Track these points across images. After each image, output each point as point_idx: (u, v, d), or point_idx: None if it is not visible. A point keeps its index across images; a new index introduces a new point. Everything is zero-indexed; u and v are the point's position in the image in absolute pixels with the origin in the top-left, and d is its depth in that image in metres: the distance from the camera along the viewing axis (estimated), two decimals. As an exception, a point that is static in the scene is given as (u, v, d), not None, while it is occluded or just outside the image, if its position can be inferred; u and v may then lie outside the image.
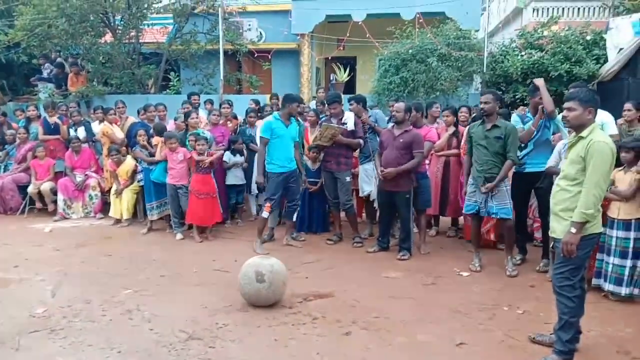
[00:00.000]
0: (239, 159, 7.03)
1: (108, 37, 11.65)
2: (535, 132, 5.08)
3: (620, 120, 5.76)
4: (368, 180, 6.32)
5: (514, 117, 5.45)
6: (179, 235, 6.45)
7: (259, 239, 5.98)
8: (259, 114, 7.58)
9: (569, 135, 3.62)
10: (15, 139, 8.10)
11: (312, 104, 9.05)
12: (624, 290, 4.35)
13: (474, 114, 6.66)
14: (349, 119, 6.11)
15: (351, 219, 6.31)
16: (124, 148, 7.42)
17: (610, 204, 4.48)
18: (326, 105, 6.57)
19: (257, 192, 7.14)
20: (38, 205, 7.78)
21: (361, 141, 6.13)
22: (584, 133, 3.23)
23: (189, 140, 6.50)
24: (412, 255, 5.69)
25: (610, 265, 4.42)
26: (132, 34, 11.45)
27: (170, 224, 6.74)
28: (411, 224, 5.73)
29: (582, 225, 3.16)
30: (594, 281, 4.58)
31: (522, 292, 4.68)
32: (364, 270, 5.26)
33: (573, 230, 3.17)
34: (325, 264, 5.45)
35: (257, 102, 8.50)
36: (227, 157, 6.95)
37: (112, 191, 7.23)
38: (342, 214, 6.47)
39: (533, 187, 5.25)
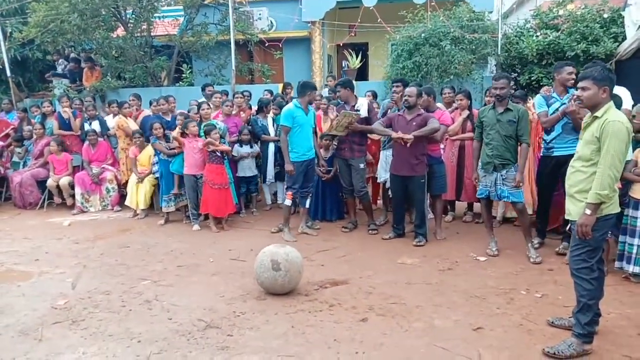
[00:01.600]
0: (247, 149, 7.04)
1: (120, 31, 11.70)
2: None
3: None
4: (387, 166, 6.29)
5: (538, 99, 5.23)
6: (195, 227, 6.50)
7: (286, 226, 6.00)
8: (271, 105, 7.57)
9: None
10: (32, 134, 8.21)
11: (324, 92, 9.01)
12: None
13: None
14: (362, 105, 6.07)
15: (366, 206, 6.29)
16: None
17: (634, 184, 4.40)
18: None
19: (272, 180, 7.14)
20: (57, 199, 7.91)
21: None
22: (598, 113, 3.16)
23: (203, 131, 6.51)
24: (428, 241, 5.67)
25: (635, 247, 4.34)
26: (144, 27, 11.47)
27: (187, 215, 6.80)
28: (426, 209, 5.69)
29: (597, 206, 3.11)
30: (617, 264, 4.51)
31: (540, 275, 4.64)
32: (379, 257, 5.25)
33: (588, 211, 3.12)
34: (340, 252, 5.46)
35: (271, 92, 8.49)
36: (235, 149, 6.97)
37: (131, 181, 7.29)
38: (357, 201, 6.46)
39: (560, 173, 5.11)
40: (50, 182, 7.81)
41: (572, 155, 4.64)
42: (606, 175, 3.06)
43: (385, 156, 6.30)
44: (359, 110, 6.02)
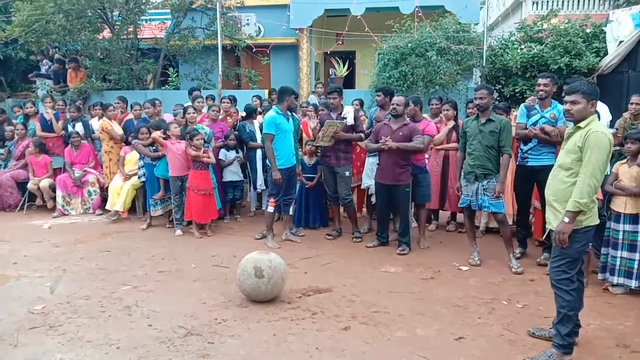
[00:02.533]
0: (233, 155, 7.01)
1: (106, 33, 11.60)
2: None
3: (625, 114, 5.73)
4: (371, 174, 6.32)
5: (520, 109, 5.37)
6: (178, 232, 6.44)
7: (269, 233, 5.97)
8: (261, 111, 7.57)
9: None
10: (14, 135, 8.09)
11: (312, 99, 9.03)
12: (634, 283, 4.34)
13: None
14: (349, 113, 6.08)
15: (350, 214, 6.30)
16: (123, 144, 7.42)
17: (615, 198, 4.47)
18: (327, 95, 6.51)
19: (263, 188, 7.09)
20: (38, 201, 7.79)
21: (362, 135, 6.11)
22: (582, 124, 3.21)
23: (186, 136, 6.46)
24: (412, 249, 5.69)
25: (618, 259, 4.41)
26: (130, 29, 11.39)
27: (170, 220, 6.74)
28: (410, 218, 5.72)
29: (576, 215, 3.15)
30: (600, 276, 4.57)
31: (522, 286, 4.68)
32: (363, 265, 5.25)
33: (566, 219, 3.16)
34: (324, 259, 5.45)
35: (259, 98, 8.48)
36: (223, 154, 6.94)
37: (112, 184, 7.18)
38: (342, 209, 6.46)
39: (536, 182, 5.23)
40: (30, 185, 7.69)
41: (545, 166, 4.78)
42: (586, 184, 3.10)
43: (370, 163, 6.33)
44: (345, 118, 6.03)
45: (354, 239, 6.13)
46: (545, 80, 5.06)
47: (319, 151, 6.39)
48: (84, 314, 4.02)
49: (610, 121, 6.01)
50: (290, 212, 6.19)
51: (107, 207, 7.23)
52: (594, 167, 3.09)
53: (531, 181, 5.23)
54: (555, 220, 3.29)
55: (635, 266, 4.33)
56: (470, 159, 5.16)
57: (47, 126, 8.00)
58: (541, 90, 5.07)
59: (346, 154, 6.14)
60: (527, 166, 5.19)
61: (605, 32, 8.54)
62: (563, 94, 3.38)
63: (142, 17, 11.55)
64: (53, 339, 3.59)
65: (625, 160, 4.51)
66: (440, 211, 6.81)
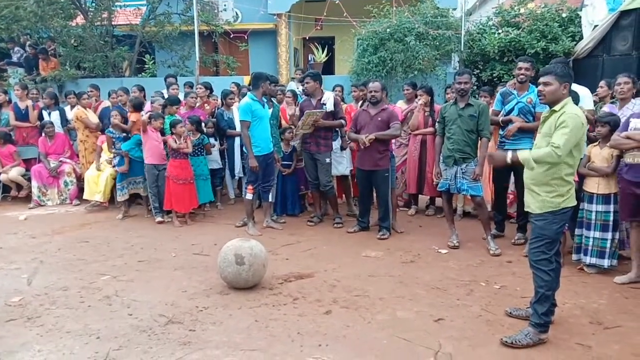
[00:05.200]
0: (213, 142, 6.96)
1: (79, 20, 11.33)
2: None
3: (593, 97, 5.84)
4: (339, 160, 6.34)
5: (497, 96, 5.51)
6: (158, 218, 6.39)
7: (250, 221, 5.95)
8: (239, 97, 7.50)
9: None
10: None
11: (291, 85, 8.97)
12: (606, 263, 4.45)
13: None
14: (329, 99, 6.05)
15: (331, 200, 6.32)
16: (99, 132, 7.30)
17: (587, 179, 4.56)
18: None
19: (241, 175, 7.07)
20: (13, 193, 7.63)
21: (343, 122, 6.09)
22: (557, 107, 3.26)
23: (170, 125, 6.37)
24: (392, 234, 5.74)
25: (591, 239, 4.50)
26: (104, 15, 11.14)
27: (149, 209, 6.67)
28: (390, 202, 5.75)
29: (517, 159, 3.28)
30: (574, 256, 4.67)
31: (499, 268, 4.76)
32: (344, 250, 5.29)
33: (509, 154, 3.33)
34: (305, 245, 5.46)
35: (238, 85, 8.40)
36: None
37: (87, 173, 7.08)
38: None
39: (512, 166, 5.31)
40: (3, 177, 7.52)
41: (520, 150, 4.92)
42: (548, 155, 3.16)
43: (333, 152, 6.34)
44: (324, 104, 6.01)
45: (335, 225, 6.15)
46: (525, 64, 5.13)
47: (296, 140, 6.39)
48: (62, 305, 3.97)
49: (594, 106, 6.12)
50: (270, 199, 6.17)
51: (85, 196, 7.12)
52: (564, 141, 3.12)
53: (508, 165, 5.28)
54: (534, 202, 3.34)
55: (608, 245, 4.43)
56: (449, 143, 5.20)
57: (21, 115, 7.81)
58: (522, 75, 5.13)
59: (326, 141, 6.12)
60: (505, 149, 5.26)
61: (580, 17, 8.64)
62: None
63: (117, 3, 11.32)
64: (31, 331, 3.54)
65: (597, 143, 4.60)
66: (419, 196, 6.86)
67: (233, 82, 8.73)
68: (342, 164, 6.41)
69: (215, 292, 4.20)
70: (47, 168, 7.42)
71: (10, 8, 9.66)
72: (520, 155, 3.29)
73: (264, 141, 5.80)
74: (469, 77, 5.16)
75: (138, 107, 6.69)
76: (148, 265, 4.90)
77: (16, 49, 11.61)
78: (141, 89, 7.66)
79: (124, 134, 6.65)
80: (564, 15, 8.92)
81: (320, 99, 6.06)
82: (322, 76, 6.63)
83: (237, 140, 6.94)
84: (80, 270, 4.75)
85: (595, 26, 8.17)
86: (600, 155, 4.50)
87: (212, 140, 6.97)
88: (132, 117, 6.61)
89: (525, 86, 5.20)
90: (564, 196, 3.25)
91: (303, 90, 6.52)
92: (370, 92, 5.61)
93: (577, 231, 4.63)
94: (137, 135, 6.49)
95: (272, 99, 6.46)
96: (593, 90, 5.82)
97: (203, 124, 6.78)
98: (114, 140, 6.74)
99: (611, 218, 4.44)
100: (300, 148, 6.44)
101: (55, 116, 7.82)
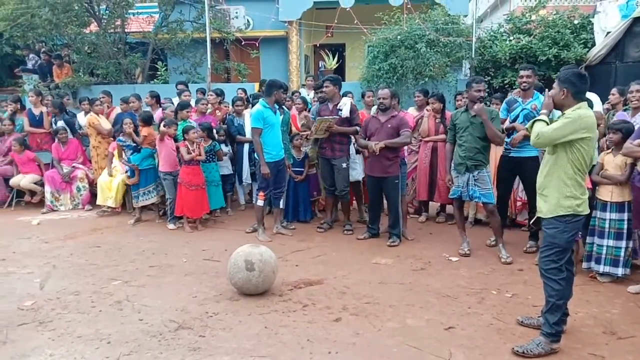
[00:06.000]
0: (225, 149, 7.00)
1: (93, 27, 11.48)
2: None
3: (606, 105, 5.79)
4: (353, 166, 6.35)
5: (503, 104, 5.52)
6: (171, 225, 6.42)
7: (260, 227, 5.97)
8: (247, 103, 7.54)
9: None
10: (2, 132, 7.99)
11: (302, 92, 9.01)
12: (620, 271, 4.40)
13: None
14: (345, 105, 6.03)
15: (345, 207, 6.32)
16: (112, 138, 7.38)
17: (600, 187, 4.51)
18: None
19: (248, 182, 7.12)
20: (27, 198, 7.72)
21: (358, 128, 6.05)
22: (568, 111, 3.24)
23: (182, 132, 6.41)
24: (402, 241, 5.72)
25: (604, 248, 4.46)
26: (118, 23, 11.29)
27: (160, 215, 6.72)
28: (400, 209, 5.73)
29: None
30: (584, 264, 4.62)
31: (511, 276, 4.72)
32: (354, 257, 5.27)
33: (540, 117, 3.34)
34: (315, 252, 5.46)
35: (245, 91, 8.44)
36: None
37: (100, 179, 7.15)
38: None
39: (518, 172, 5.32)
40: (12, 182, 7.61)
41: (526, 158, 5.03)
42: (535, 131, 3.21)
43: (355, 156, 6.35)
44: (341, 110, 6.00)
45: (345, 232, 6.14)
46: (527, 72, 5.13)
47: (307, 145, 6.40)
48: (74, 309, 4.00)
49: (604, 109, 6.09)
50: (281, 206, 6.19)
51: (98, 202, 7.20)
52: (559, 129, 3.14)
53: (513, 172, 5.38)
54: (545, 205, 3.32)
55: (622, 254, 4.38)
56: (461, 150, 5.18)
57: (35, 121, 7.92)
58: (524, 82, 5.13)
59: (342, 146, 6.09)
60: (510, 157, 5.30)
61: (592, 24, 8.60)
62: None
63: (130, 11, 11.46)
64: (43, 335, 3.57)
65: (610, 150, 4.56)
66: (430, 203, 6.84)
67: (239, 89, 8.77)
68: (355, 169, 6.38)
69: (226, 298, 4.21)
70: (60, 173, 7.50)
71: (26, 16, 9.81)
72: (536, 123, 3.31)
73: (275, 148, 5.81)
74: (485, 86, 5.18)
75: (147, 120, 6.71)
76: (159, 270, 4.93)
77: (31, 55, 11.81)
78: (154, 96, 7.70)
79: (134, 144, 6.70)
80: (576, 22, 8.89)
81: (337, 105, 6.05)
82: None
83: (246, 146, 6.97)
84: (92, 275, 4.79)
85: (608, 33, 8.13)
86: (614, 163, 4.46)
87: (223, 146, 7.01)
88: (143, 131, 6.63)
89: (529, 93, 5.19)
90: (578, 199, 3.22)
91: (317, 96, 6.55)
92: (379, 99, 5.62)
93: (588, 239, 4.59)
94: (147, 150, 6.57)
95: (283, 106, 6.48)
96: (606, 97, 5.78)
97: (214, 131, 6.82)
98: (123, 148, 6.81)
99: (625, 226, 4.39)
100: (315, 154, 6.47)
101: (60, 125, 7.86)
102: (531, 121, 3.37)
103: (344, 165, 6.09)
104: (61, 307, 4.05)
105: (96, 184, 7.37)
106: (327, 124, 5.87)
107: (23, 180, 7.56)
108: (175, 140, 6.50)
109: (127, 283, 4.57)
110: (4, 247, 5.68)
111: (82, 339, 3.51)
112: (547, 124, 3.25)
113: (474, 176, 5.11)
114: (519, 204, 6.09)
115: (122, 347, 3.38)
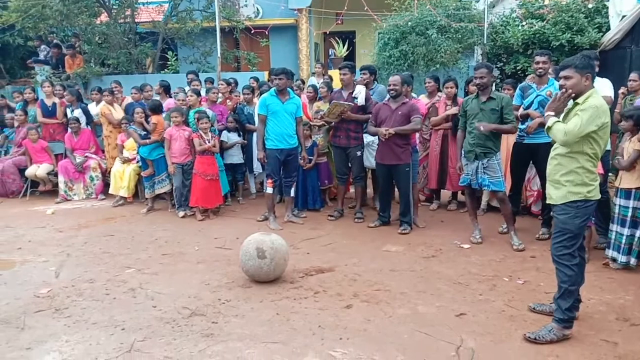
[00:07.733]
0: (235, 137, 7.01)
1: (103, 17, 11.52)
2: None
3: (622, 89, 5.70)
4: (371, 152, 6.31)
5: (517, 91, 5.45)
6: (181, 213, 6.47)
7: (271, 215, 6.01)
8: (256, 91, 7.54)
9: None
10: (15, 122, 8.08)
11: (312, 80, 8.98)
12: (624, 258, 4.35)
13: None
14: (360, 93, 6.03)
15: (358, 192, 6.32)
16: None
17: (621, 174, 4.45)
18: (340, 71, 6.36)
19: (259, 171, 7.15)
20: (41, 187, 7.81)
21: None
22: (580, 99, 3.19)
23: (195, 119, 6.44)
24: (413, 229, 5.71)
25: (614, 233, 4.43)
26: (128, 13, 11.32)
27: (172, 204, 6.77)
28: (411, 197, 5.72)
29: (542, 123, 3.38)
30: (607, 252, 4.53)
31: (523, 262, 4.70)
32: (365, 245, 5.28)
33: (547, 116, 3.28)
34: (326, 240, 5.47)
35: (257, 80, 8.44)
36: (225, 136, 6.94)
37: (114, 168, 7.21)
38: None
39: (531, 159, 5.28)
40: (28, 172, 7.70)
41: (540, 144, 4.89)
42: (558, 131, 3.16)
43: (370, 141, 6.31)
44: (356, 98, 6.00)
45: (356, 220, 6.14)
46: (542, 58, 5.06)
47: (319, 134, 6.40)
48: (89, 297, 4.06)
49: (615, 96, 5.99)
50: (292, 194, 6.21)
51: (111, 191, 7.27)
52: (573, 127, 3.10)
53: (527, 159, 5.36)
54: (556, 192, 3.29)
55: (623, 241, 4.33)
56: (471, 137, 5.14)
57: (47, 112, 7.99)
58: (540, 68, 5.08)
59: (357, 134, 6.11)
60: (524, 144, 5.27)
61: (607, 7, 8.43)
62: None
63: (140, 0, 11.47)
64: (59, 322, 3.63)
65: (629, 137, 4.49)
66: (441, 191, 6.81)
67: (251, 77, 8.77)
68: (373, 155, 6.36)
69: (237, 285, 4.24)
70: (73, 163, 7.57)
71: (37, 7, 9.87)
72: (549, 119, 3.26)
73: (277, 135, 5.84)
74: (487, 71, 5.04)
75: (156, 109, 6.77)
76: (172, 258, 4.98)
77: (43, 46, 11.87)
78: (163, 86, 7.76)
79: (145, 132, 6.75)
80: (590, 5, 8.71)
81: (352, 92, 6.05)
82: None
83: (255, 135, 6.98)
84: (106, 263, 4.85)
85: (623, 16, 7.96)
86: (627, 150, 4.40)
87: (235, 135, 7.02)
88: (153, 119, 6.69)
89: (545, 79, 5.13)
90: (588, 186, 3.19)
91: (326, 83, 6.55)
92: (390, 85, 5.58)
93: (611, 227, 4.51)
94: (152, 145, 6.65)
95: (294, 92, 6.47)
96: (621, 82, 5.68)
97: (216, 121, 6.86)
98: (140, 134, 6.85)
99: (629, 214, 4.32)
100: (325, 143, 6.47)
101: (77, 113, 7.95)
102: (548, 123, 3.26)
103: (359, 153, 6.13)
104: (76, 294, 4.11)
105: (109, 173, 7.44)
106: (342, 109, 5.86)
107: (38, 170, 7.65)
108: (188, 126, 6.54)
109: (140, 271, 4.62)
110: (20, 236, 5.77)
111: (97, 325, 3.56)
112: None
113: (483, 164, 5.06)
114: (534, 194, 6.00)
115: (136, 334, 3.43)
